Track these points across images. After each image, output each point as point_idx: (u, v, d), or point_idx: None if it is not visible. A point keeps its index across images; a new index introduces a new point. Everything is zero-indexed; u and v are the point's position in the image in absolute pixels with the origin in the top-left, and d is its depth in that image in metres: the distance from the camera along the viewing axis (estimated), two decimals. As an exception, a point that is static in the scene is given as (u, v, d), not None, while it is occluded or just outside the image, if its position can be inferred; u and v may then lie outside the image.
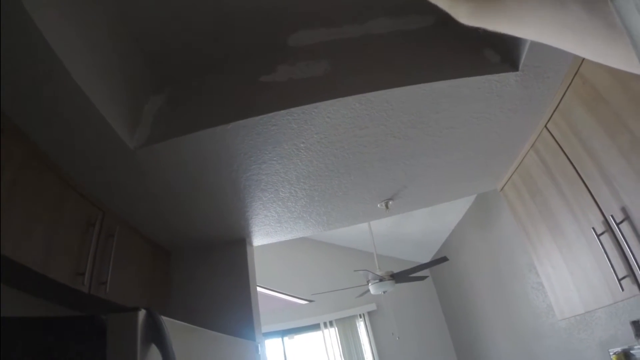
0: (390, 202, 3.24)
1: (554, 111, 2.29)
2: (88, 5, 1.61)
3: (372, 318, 6.82)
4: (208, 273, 3.12)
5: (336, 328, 6.68)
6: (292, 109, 1.95)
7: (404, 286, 6.29)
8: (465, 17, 0.57)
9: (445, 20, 2.25)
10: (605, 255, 2.00)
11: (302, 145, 2.22)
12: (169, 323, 1.48)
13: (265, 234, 3.29)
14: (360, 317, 6.82)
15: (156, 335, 1.39)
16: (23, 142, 1.67)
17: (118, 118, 1.82)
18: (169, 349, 1.38)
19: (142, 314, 1.35)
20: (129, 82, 1.93)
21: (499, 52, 2.09)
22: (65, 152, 1.86)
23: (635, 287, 1.87)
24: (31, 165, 1.71)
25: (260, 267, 3.56)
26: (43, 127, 1.69)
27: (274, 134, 2.08)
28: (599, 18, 0.43)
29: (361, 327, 6.77)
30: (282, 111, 1.94)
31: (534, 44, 1.87)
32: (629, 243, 1.85)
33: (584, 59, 1.95)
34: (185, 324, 1.73)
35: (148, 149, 1.97)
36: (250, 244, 3.37)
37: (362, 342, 6.64)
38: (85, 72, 1.57)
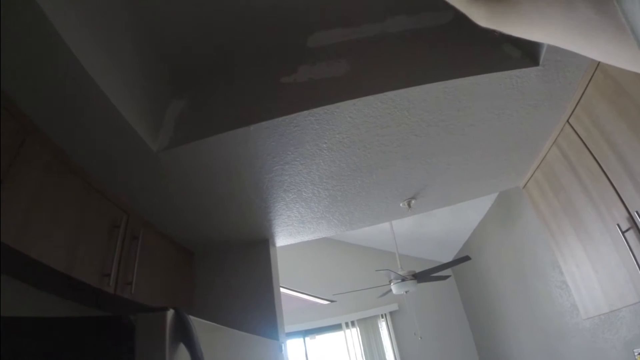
0: (413, 201, 3.23)
1: (576, 106, 2.26)
2: (109, 10, 1.64)
3: (394, 318, 6.80)
4: (231, 273, 3.16)
5: (358, 328, 6.68)
6: (314, 110, 1.96)
7: (426, 286, 6.26)
8: (483, 19, 0.59)
9: (463, 16, 2.25)
10: (630, 253, 1.97)
11: (324, 145, 2.23)
12: (196, 322, 1.50)
13: (288, 235, 3.32)
14: (382, 317, 6.80)
15: (184, 334, 1.42)
16: (48, 146, 1.71)
17: (141, 121, 1.85)
18: (197, 348, 1.41)
19: (170, 313, 1.38)
20: (150, 85, 1.96)
21: (519, 47, 2.08)
22: (90, 156, 1.91)
23: (661, 285, 1.84)
24: (56, 168, 1.76)
25: (282, 267, 3.59)
26: (67, 131, 1.73)
27: (296, 135, 2.09)
28: (609, 19, 0.43)
29: (383, 327, 6.76)
30: (304, 112, 1.96)
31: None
32: (656, 239, 1.82)
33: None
34: (212, 323, 1.76)
35: (171, 151, 2.00)
36: (273, 244, 3.40)
37: (383, 342, 6.63)
38: (107, 76, 1.60)
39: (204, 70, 2.15)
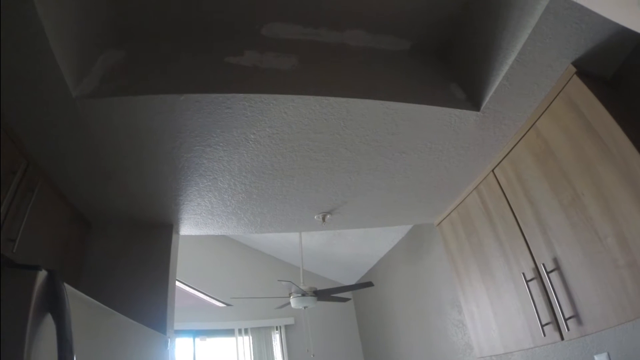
0: (328, 216, 3.20)
1: (504, 158, 2.38)
2: None
3: (288, 332, 6.71)
4: (127, 253, 2.92)
5: (251, 336, 6.53)
6: (250, 95, 1.86)
7: (325, 305, 6.25)
8: None
9: (419, 47, 2.28)
10: (531, 301, 2.09)
11: (252, 136, 2.13)
12: (72, 293, 1.33)
13: (195, 224, 3.15)
14: (277, 329, 6.70)
15: (55, 304, 1.22)
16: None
17: (67, 58, 1.65)
18: (65, 322, 1.21)
19: (42, 275, 1.20)
20: (89, 25, 1.76)
21: (465, 90, 2.15)
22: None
23: (556, 334, 1.96)
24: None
25: (181, 258, 3.40)
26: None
27: (225, 118, 1.98)
28: None
29: (276, 340, 6.65)
30: (240, 94, 1.85)
31: (500, 88, 1.93)
32: (556, 292, 1.94)
33: (542, 113, 2.02)
34: (91, 299, 1.59)
35: (91, 101, 1.80)
36: (177, 232, 3.20)
37: (275, 354, 6.52)
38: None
39: (150, 29, 2.00)
